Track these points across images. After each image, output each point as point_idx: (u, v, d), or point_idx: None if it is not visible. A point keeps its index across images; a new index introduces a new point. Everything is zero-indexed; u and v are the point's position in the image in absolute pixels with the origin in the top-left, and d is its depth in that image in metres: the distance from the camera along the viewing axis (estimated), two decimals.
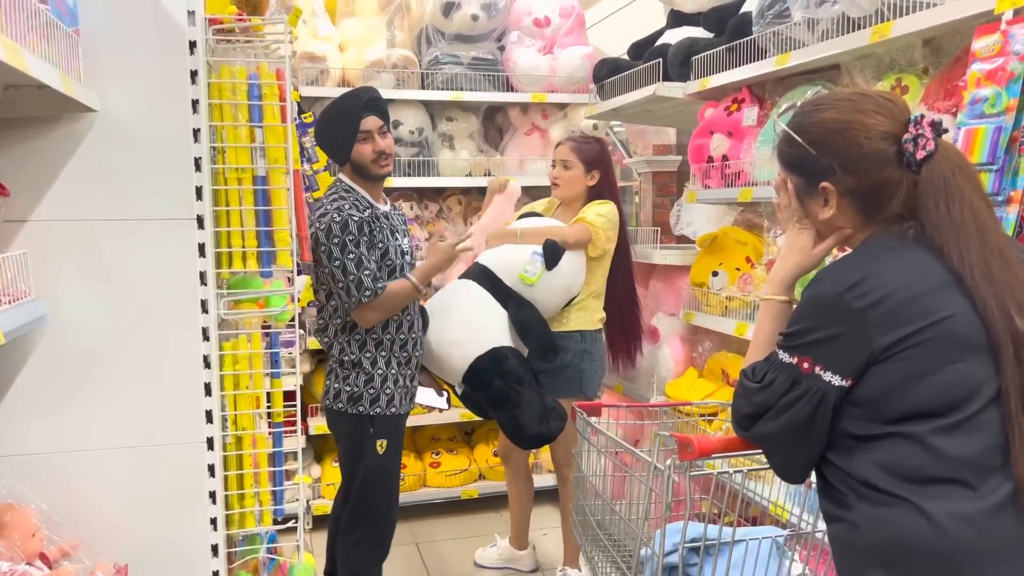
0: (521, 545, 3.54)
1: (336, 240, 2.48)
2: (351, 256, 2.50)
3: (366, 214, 2.56)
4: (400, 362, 2.69)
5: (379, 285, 2.53)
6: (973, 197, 1.31)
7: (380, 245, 2.58)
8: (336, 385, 2.65)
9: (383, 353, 2.66)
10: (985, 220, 1.30)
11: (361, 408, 2.62)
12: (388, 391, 2.66)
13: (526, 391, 2.81)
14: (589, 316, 3.16)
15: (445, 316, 2.96)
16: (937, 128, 1.31)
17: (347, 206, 2.54)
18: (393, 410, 2.67)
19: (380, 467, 2.67)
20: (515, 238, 3.06)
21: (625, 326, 3.34)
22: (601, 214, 3.06)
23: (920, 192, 1.32)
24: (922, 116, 1.31)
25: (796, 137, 1.39)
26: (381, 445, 2.65)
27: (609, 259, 3.17)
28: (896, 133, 1.32)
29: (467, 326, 2.90)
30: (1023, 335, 1.24)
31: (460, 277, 3.12)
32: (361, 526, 2.71)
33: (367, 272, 2.51)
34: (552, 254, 2.94)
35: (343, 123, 2.59)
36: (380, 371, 2.65)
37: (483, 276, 3.02)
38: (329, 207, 2.54)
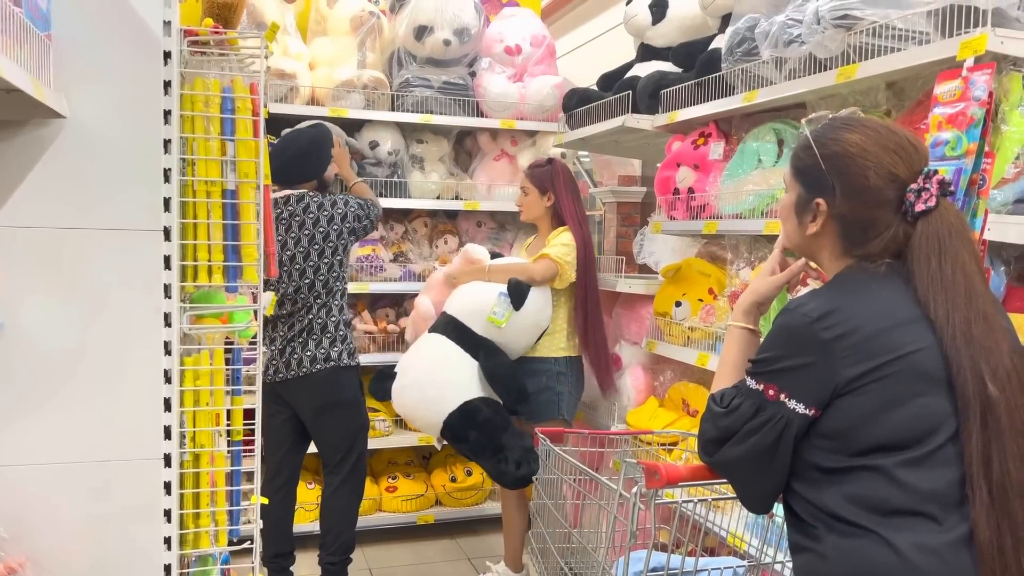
0: (517, 567, 3.49)
1: (348, 201, 3.18)
2: (359, 200, 3.22)
3: None
4: None
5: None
6: (967, 260, 1.32)
7: None
8: (338, 347, 3.11)
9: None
10: (976, 284, 1.31)
11: (355, 360, 3.17)
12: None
13: (505, 438, 2.90)
14: (562, 342, 3.22)
15: (416, 373, 3.02)
16: (944, 187, 1.33)
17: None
18: (357, 361, 3.22)
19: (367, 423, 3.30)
20: (484, 275, 3.09)
21: (592, 347, 3.31)
22: (565, 243, 3.14)
23: (913, 244, 1.34)
24: (934, 172, 1.34)
25: (813, 145, 1.40)
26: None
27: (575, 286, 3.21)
28: (905, 179, 1.34)
29: (436, 384, 2.95)
30: (994, 401, 1.25)
31: (429, 330, 3.13)
32: (358, 479, 3.23)
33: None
34: (517, 294, 2.98)
35: (328, 148, 3.24)
36: (352, 327, 3.24)
37: (450, 327, 3.04)
38: (329, 199, 3.15)
